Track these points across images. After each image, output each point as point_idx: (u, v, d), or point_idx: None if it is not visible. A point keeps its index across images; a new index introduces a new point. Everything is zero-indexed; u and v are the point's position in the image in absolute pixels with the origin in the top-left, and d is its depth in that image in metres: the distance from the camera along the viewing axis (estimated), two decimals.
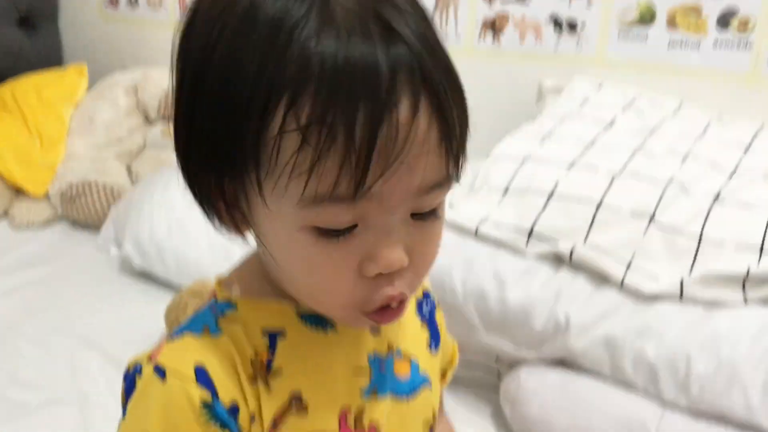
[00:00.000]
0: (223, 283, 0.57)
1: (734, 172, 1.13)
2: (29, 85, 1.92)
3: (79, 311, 1.38)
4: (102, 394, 1.12)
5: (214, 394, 0.50)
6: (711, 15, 1.43)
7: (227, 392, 0.50)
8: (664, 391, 0.97)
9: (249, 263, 0.55)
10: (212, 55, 0.45)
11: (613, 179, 1.13)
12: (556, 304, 1.04)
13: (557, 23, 1.57)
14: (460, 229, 1.16)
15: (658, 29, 1.48)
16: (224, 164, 0.46)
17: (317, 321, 0.53)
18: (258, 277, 0.54)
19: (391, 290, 0.48)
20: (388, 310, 0.50)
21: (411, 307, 0.64)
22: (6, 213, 1.77)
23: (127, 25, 2.13)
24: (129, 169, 1.87)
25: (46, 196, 1.77)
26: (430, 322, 0.65)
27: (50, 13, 2.21)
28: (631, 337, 0.99)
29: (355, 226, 0.45)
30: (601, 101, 1.39)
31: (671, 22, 1.46)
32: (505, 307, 1.07)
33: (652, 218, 1.06)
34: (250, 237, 0.52)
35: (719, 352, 0.94)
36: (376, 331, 0.56)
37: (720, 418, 0.94)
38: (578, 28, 1.54)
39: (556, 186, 1.13)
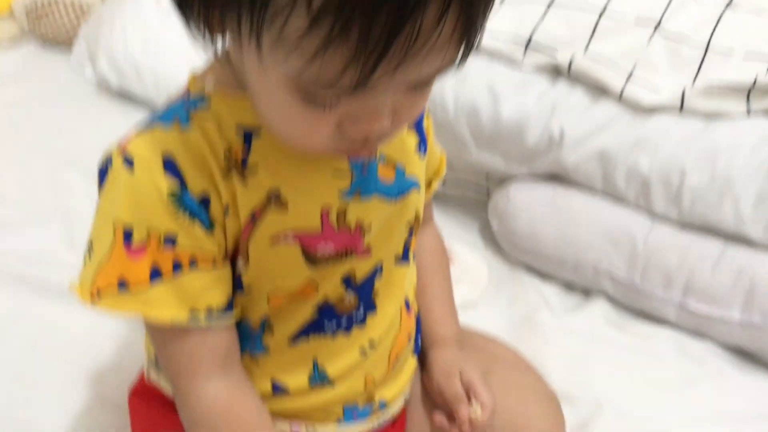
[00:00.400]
0: (197, 77, 0.54)
1: None
2: None
3: (57, 130, 1.33)
4: (85, 210, 1.08)
5: (183, 184, 0.49)
6: None
7: (197, 183, 0.49)
8: (654, 204, 0.96)
9: (225, 56, 0.51)
10: None
11: None
12: (550, 118, 1.01)
13: None
14: None
15: None
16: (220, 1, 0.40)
17: None
18: (234, 70, 0.49)
19: (365, 151, 0.48)
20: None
21: None
22: None
23: None
24: None
25: (10, 12, 1.65)
26: (417, 127, 0.64)
27: None
28: (625, 151, 0.96)
29: None
30: None
31: None
32: (498, 122, 1.04)
33: (657, 26, 1.00)
34: None
35: (715, 164, 0.92)
36: None
37: (708, 230, 0.94)
38: None
39: None
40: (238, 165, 0.51)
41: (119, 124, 1.31)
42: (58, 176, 1.20)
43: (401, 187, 0.60)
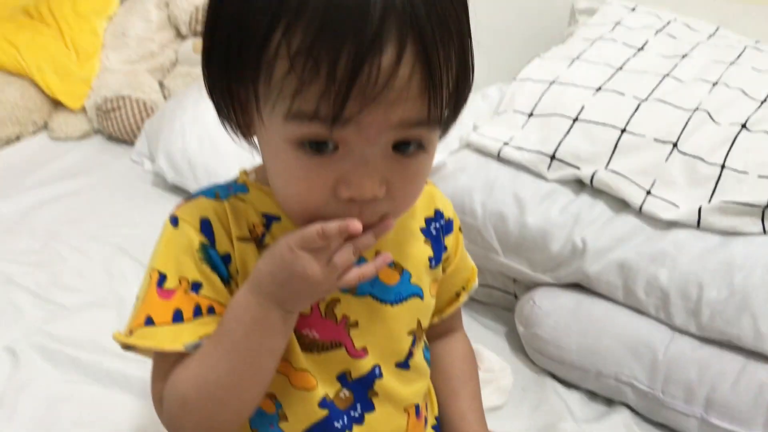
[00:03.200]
0: (246, 171, 0.64)
1: (765, 100, 1.10)
2: None
3: (115, 221, 1.44)
4: None
5: (212, 242, 0.58)
6: None
7: (222, 243, 0.58)
8: (674, 316, 0.99)
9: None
10: None
11: (639, 105, 1.11)
12: (574, 228, 1.06)
13: None
14: (483, 151, 1.17)
15: None
16: (233, 72, 0.50)
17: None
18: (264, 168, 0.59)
19: (360, 218, 0.51)
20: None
21: (415, 222, 0.67)
22: (45, 125, 1.82)
23: None
24: (161, 84, 1.90)
25: (83, 109, 1.81)
26: (435, 240, 0.68)
27: None
28: (645, 263, 1.00)
29: (336, 148, 0.49)
30: (634, 24, 1.36)
31: None
32: (524, 229, 1.09)
33: (675, 145, 1.05)
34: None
35: (732, 279, 0.95)
36: None
37: (728, 345, 0.96)
38: None
39: (581, 110, 1.13)
40: (256, 240, 0.59)
41: None
42: (113, 264, 1.30)
43: (401, 293, 0.64)
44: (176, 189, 1.56)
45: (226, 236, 0.58)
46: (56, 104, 1.84)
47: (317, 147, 0.49)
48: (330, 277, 0.52)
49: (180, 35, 1.94)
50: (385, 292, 0.63)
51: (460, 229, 0.72)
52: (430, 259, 0.67)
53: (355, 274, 0.53)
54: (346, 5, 0.44)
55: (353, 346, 0.62)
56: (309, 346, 0.61)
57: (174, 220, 0.58)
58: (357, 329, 0.62)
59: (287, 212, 0.58)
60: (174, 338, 0.56)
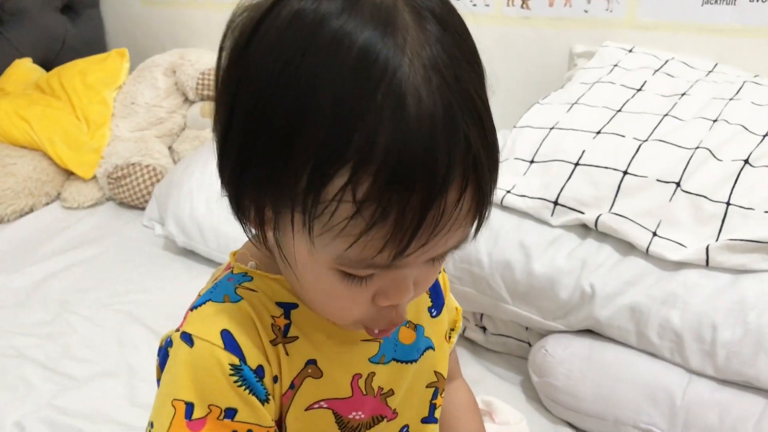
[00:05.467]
0: (239, 256, 0.59)
1: (766, 134, 1.09)
2: (74, 71, 1.98)
3: (126, 288, 1.45)
4: (147, 366, 1.18)
5: (242, 358, 0.52)
6: None
7: (253, 356, 0.53)
8: (690, 359, 0.96)
9: (258, 240, 0.55)
10: (281, 93, 0.43)
11: (640, 146, 1.11)
12: (581, 274, 1.05)
13: None
14: None
15: None
16: (271, 195, 0.46)
17: None
18: (270, 254, 0.55)
19: (396, 318, 0.52)
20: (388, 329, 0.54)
21: None
22: (58, 195, 1.86)
23: (164, 7, 2.18)
24: (171, 149, 1.93)
25: (94, 178, 1.85)
26: (432, 287, 0.67)
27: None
28: (656, 305, 0.98)
29: None
30: (632, 65, 1.36)
31: None
32: (531, 277, 1.08)
33: (678, 185, 1.04)
34: None
35: (745, 319, 0.93)
36: None
37: (747, 385, 0.94)
38: None
39: (582, 154, 1.13)
40: (281, 334, 0.55)
41: (182, 281, 1.44)
42: (124, 333, 1.30)
43: (420, 348, 0.63)
44: (187, 252, 1.57)
45: (253, 345, 0.53)
46: (68, 174, 1.87)
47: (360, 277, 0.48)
48: None
49: (187, 100, 1.98)
50: (406, 352, 0.63)
51: (443, 269, 0.72)
52: (429, 309, 0.67)
53: None
54: (415, 156, 0.42)
55: (390, 412, 0.62)
56: (351, 426, 0.59)
57: (187, 339, 0.52)
58: (392, 397, 0.62)
59: (322, 315, 0.55)
60: None
